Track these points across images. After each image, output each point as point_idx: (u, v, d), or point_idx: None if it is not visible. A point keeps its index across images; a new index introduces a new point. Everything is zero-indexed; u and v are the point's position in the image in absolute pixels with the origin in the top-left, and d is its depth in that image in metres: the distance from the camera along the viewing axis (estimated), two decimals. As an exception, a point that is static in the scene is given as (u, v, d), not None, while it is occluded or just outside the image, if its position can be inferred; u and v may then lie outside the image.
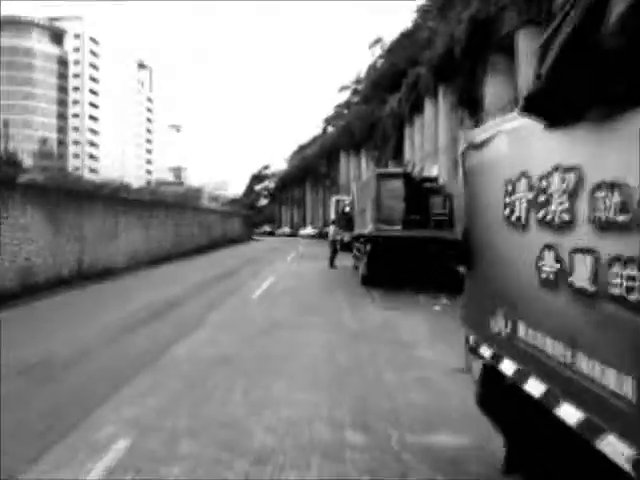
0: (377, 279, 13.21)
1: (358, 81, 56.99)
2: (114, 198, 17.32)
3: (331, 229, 19.93)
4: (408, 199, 14.58)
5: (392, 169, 15.12)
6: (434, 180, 15.81)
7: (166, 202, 22.78)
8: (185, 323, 8.79)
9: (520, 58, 16.45)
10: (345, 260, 20.36)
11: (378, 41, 49.12)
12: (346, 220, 20.70)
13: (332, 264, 19.28)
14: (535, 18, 15.25)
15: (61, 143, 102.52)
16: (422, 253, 12.62)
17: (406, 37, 40.43)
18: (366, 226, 13.67)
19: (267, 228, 73.27)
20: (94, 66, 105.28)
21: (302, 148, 73.88)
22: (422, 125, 29.24)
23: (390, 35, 46.34)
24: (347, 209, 20.64)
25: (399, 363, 6.45)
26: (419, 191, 15.25)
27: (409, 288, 12.60)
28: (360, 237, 15.51)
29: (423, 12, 33.50)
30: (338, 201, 24.88)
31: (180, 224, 24.85)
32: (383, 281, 13.35)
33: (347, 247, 21.87)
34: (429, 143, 27.11)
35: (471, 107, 21.67)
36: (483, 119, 19.93)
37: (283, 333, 8.08)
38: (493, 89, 19.12)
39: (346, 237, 21.01)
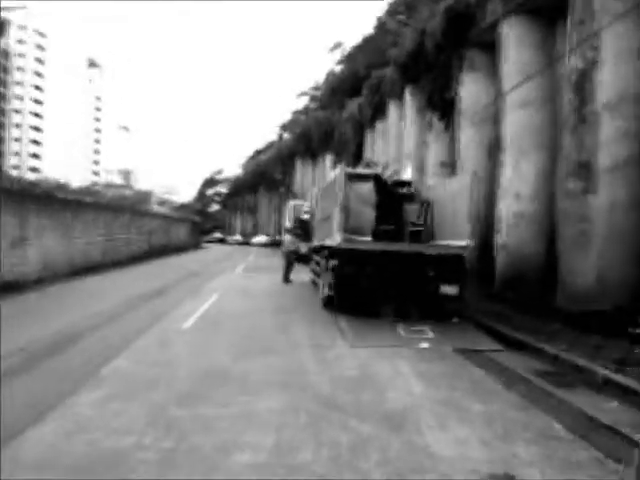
0: (344, 301, 10.55)
1: (316, 88, 54.85)
2: (23, 194, 13.90)
3: (286, 238, 17.15)
4: (380, 206, 12.08)
5: (362, 169, 12.36)
6: (408, 184, 13.37)
7: (95, 203, 19.31)
8: (67, 377, 5.79)
9: (504, 52, 14.31)
10: (301, 273, 17.62)
11: (338, 46, 47.15)
12: (304, 229, 17.99)
13: (287, 279, 16.51)
14: (525, 3, 13.14)
15: (0, 140, 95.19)
16: (399, 271, 10.06)
17: (367, 42, 38.64)
18: (331, 236, 11.01)
19: (218, 235, 69.49)
20: (40, 60, 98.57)
21: (257, 154, 70.85)
22: (385, 130, 27.05)
23: (351, 41, 44.32)
24: (305, 216, 17.94)
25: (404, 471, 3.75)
26: (392, 197, 12.80)
27: (382, 314, 9.98)
28: (322, 249, 12.83)
29: (390, 9, 31.39)
30: (295, 206, 22.16)
31: (114, 229, 21.44)
32: (351, 304, 10.70)
33: (303, 259, 19.17)
34: (393, 148, 24.87)
35: (442, 109, 19.49)
36: (457, 121, 17.81)
37: (215, 397, 5.24)
38: (470, 88, 16.95)
39: (303, 248, 18.30)
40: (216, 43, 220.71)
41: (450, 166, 18.62)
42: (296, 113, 59.93)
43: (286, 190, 51.69)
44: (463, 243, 9.91)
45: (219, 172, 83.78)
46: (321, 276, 12.28)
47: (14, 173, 74.19)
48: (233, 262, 26.38)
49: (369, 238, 11.31)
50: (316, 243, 14.40)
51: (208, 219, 76.37)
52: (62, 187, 41.30)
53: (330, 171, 13.91)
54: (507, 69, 14.19)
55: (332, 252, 10.59)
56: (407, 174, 13.64)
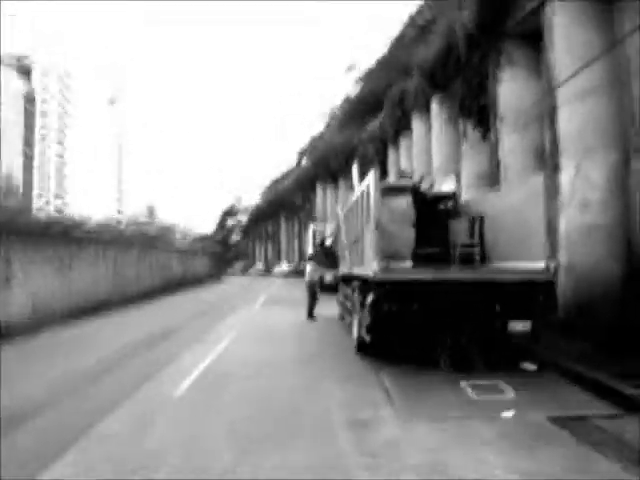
0: (384, 347, 8.20)
1: (333, 113, 53.33)
2: (7, 230, 12.03)
3: (308, 267, 14.88)
4: (419, 224, 9.80)
5: (397, 182, 10.07)
6: (451, 198, 11.09)
7: (98, 238, 17.44)
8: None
9: (553, 38, 12.07)
10: (327, 306, 15.27)
11: (352, 67, 45.64)
12: (327, 255, 15.78)
13: (311, 314, 14.16)
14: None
15: (26, 182, 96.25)
16: (456, 306, 7.67)
17: (385, 60, 36.92)
18: (362, 264, 8.73)
19: (238, 266, 67.65)
20: (62, 104, 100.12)
21: (276, 182, 69.29)
22: (410, 146, 24.90)
23: (368, 60, 42.69)
24: (328, 241, 15.74)
25: None
26: (433, 213, 10.53)
27: (435, 364, 7.56)
28: (351, 279, 10.53)
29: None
30: (316, 230, 19.98)
31: (122, 265, 19.52)
32: (392, 349, 8.34)
33: (330, 288, 16.89)
34: (420, 164, 22.61)
35: (477, 115, 17.25)
36: (496, 126, 15.53)
37: None
38: (510, 87, 14.69)
39: (328, 276, 16.03)
40: (231, 71, 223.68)
41: (490, 177, 16.27)
42: (314, 139, 58.39)
43: (307, 216, 49.74)
44: (540, 265, 7.50)
45: (238, 202, 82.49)
46: (353, 313, 9.93)
47: (40, 214, 74.26)
48: (252, 295, 24.17)
49: (409, 264, 9.02)
50: (344, 271, 12.11)
51: (230, 249, 74.79)
52: (80, 223, 39.98)
53: (356, 185, 11.59)
54: (558, 58, 11.90)
55: (367, 284, 8.27)
56: (449, 186, 11.33)
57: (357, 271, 9.31)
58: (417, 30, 25.93)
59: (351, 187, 33.67)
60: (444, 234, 10.19)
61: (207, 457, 4.41)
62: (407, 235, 9.43)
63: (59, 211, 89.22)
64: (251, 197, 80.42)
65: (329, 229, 17.00)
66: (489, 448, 4.61)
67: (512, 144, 14.50)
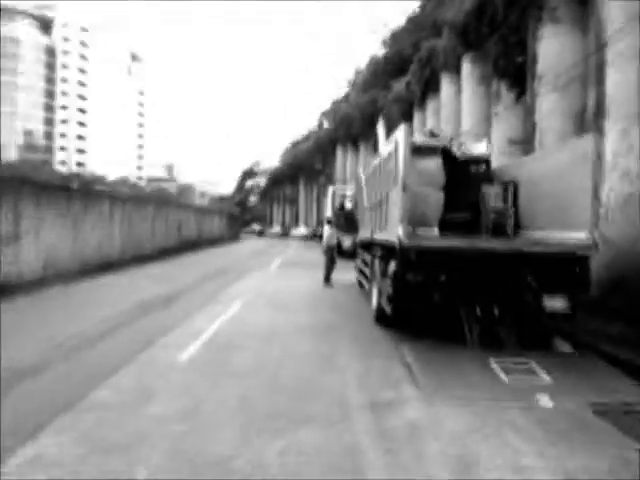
0: (407, 320, 7.64)
1: (358, 72, 51.47)
2: (17, 183, 11.58)
3: (326, 231, 14.27)
4: (449, 188, 9.07)
5: (426, 141, 9.22)
6: (484, 162, 10.28)
7: (111, 193, 17.02)
8: None
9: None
10: (345, 272, 14.74)
11: (382, 27, 43.74)
12: (347, 219, 15.14)
13: (328, 280, 13.64)
14: None
15: (48, 136, 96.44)
16: (486, 278, 7.02)
17: (412, 22, 35.10)
18: (386, 229, 8.09)
19: (256, 227, 67.27)
20: (83, 57, 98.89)
21: (296, 144, 68.03)
22: (438, 108, 23.76)
23: (395, 21, 40.80)
24: (348, 204, 15.05)
25: None
26: (464, 177, 9.76)
27: (461, 340, 6.97)
28: (372, 245, 9.92)
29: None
30: (336, 193, 19.23)
31: (136, 222, 19.14)
32: (414, 321, 7.78)
33: (347, 254, 16.30)
34: (448, 127, 21.52)
35: (513, 75, 16.12)
36: (534, 87, 14.45)
37: None
38: (551, 45, 13.53)
39: (346, 242, 15.42)
40: (256, 34, 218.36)
41: (523, 142, 15.30)
42: (336, 102, 56.68)
43: (326, 180, 48.84)
44: (581, 236, 6.78)
45: (257, 164, 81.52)
46: (372, 281, 9.34)
47: (62, 168, 74.39)
48: (268, 257, 23.75)
49: (436, 231, 8.37)
50: (364, 236, 11.49)
51: (247, 211, 74.44)
52: (98, 179, 39.65)
53: (382, 144, 10.77)
54: (611, 12, 10.79)
55: (390, 252, 7.65)
56: (481, 148, 10.49)
57: (379, 237, 8.67)
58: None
59: (373, 150, 32.69)
60: (475, 200, 9.43)
61: (207, 444, 3.94)
62: (435, 199, 8.72)
63: (81, 165, 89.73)
64: (271, 159, 79.49)
65: (349, 192, 16.27)
66: (522, 437, 4.07)
67: (550, 106, 13.50)
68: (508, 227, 8.80)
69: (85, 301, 10.46)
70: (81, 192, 15.00)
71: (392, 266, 7.23)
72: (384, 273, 7.81)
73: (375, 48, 42.83)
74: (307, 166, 57.51)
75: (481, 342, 6.75)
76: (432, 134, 10.18)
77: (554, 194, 7.67)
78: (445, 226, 8.57)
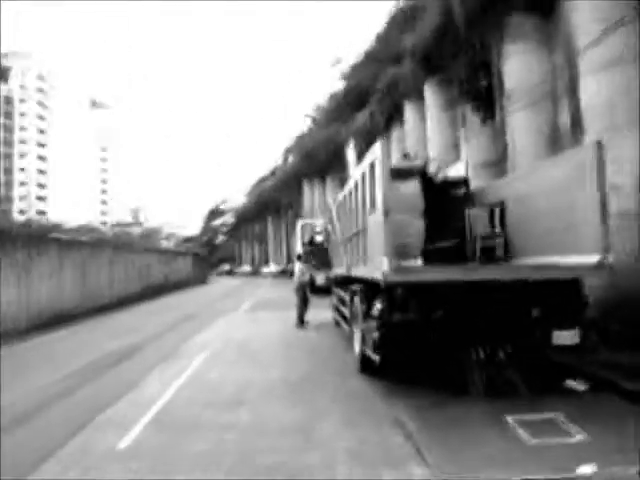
0: (398, 368, 6.51)
1: (319, 109, 51.51)
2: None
3: (297, 268, 13.12)
4: (429, 214, 8.12)
5: (402, 163, 8.26)
6: (463, 183, 9.42)
7: (61, 239, 15.53)
8: None
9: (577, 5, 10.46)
10: (319, 309, 13.52)
11: (338, 61, 43.90)
12: (319, 253, 14.03)
13: (302, 321, 12.41)
14: None
15: (7, 185, 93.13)
16: (486, 313, 5.98)
17: (370, 54, 35.27)
18: (365, 263, 7.00)
19: (225, 267, 65.46)
20: (42, 104, 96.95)
21: (262, 181, 67.18)
22: (402, 137, 23.27)
23: (353, 54, 40.89)
24: (319, 238, 14.00)
25: None
26: (444, 201, 8.84)
27: (464, 389, 5.84)
28: (350, 282, 8.80)
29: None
30: (305, 226, 18.20)
31: (92, 269, 17.58)
32: (406, 368, 6.64)
33: (322, 289, 15.14)
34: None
35: (478, 97, 15.64)
36: (502, 108, 13.95)
37: None
38: (519, 62, 13.06)
39: (319, 279, 14.29)
40: (218, 70, 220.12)
41: (494, 164, 14.69)
42: (300, 137, 56.48)
43: (294, 215, 47.97)
44: (590, 260, 5.83)
45: (224, 202, 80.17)
46: (352, 323, 8.17)
47: (21, 217, 71.29)
48: (238, 299, 22.30)
49: (419, 262, 7.34)
50: (339, 272, 10.37)
51: (215, 251, 72.62)
52: (55, 226, 37.60)
53: (352, 169, 9.76)
54: (581, 18, 10.31)
55: (372, 289, 6.55)
56: (460, 170, 9.68)
57: (358, 272, 7.57)
58: (407, 14, 24.31)
59: (340, 184, 32.06)
60: (458, 225, 8.51)
61: None
62: (416, 227, 7.73)
63: (42, 213, 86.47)
64: (237, 197, 78.21)
65: (319, 225, 15.29)
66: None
67: (521, 124, 12.93)
68: (498, 253, 7.87)
69: (24, 364, 8.92)
70: (25, 239, 13.49)
71: (377, 306, 6.11)
72: (367, 314, 6.68)
73: (335, 83, 42.70)
74: (274, 202, 56.66)
75: (488, 392, 5.64)
76: (405, 156, 9.31)
77: (551, 214, 6.77)
78: (428, 256, 7.56)
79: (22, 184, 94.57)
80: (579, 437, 4.45)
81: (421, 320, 5.86)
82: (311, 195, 45.15)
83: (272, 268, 51.44)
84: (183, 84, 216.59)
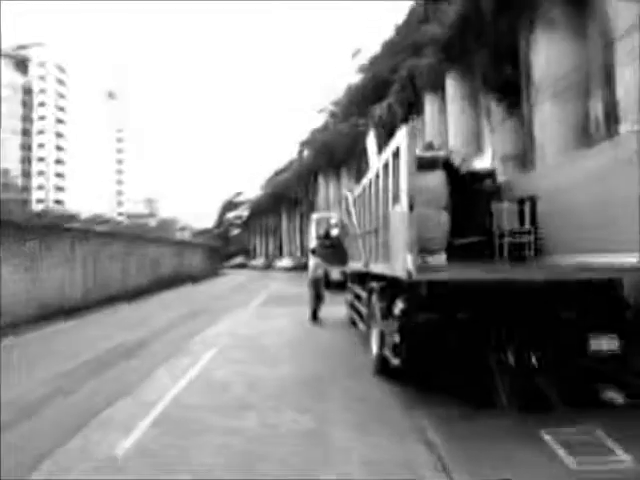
0: (419, 372, 6.03)
1: (336, 103, 50.82)
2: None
3: (311, 262, 12.67)
4: (454, 207, 7.58)
5: (427, 153, 7.68)
6: (490, 176, 8.86)
7: (73, 228, 15.29)
8: None
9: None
10: (334, 306, 13.07)
11: (357, 53, 43.16)
12: (333, 248, 13.57)
13: (315, 317, 11.98)
14: None
15: (26, 175, 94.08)
16: (515, 316, 5.47)
17: (389, 45, 34.52)
18: (387, 258, 6.49)
19: (239, 260, 65.30)
20: (61, 95, 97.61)
21: (277, 174, 66.75)
22: (421, 129, 22.61)
23: (373, 46, 40.07)
24: (334, 232, 13.51)
25: None
26: (470, 194, 8.29)
27: (491, 398, 5.34)
28: (367, 278, 8.32)
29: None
30: (320, 220, 17.70)
31: (104, 260, 17.34)
32: (429, 372, 6.14)
33: (338, 285, 14.69)
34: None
35: (503, 88, 14.98)
36: (528, 98, 13.30)
37: None
38: (548, 52, 12.41)
39: (334, 273, 13.83)
40: (235, 67, 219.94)
41: (518, 158, 14.08)
42: (315, 131, 55.84)
43: (309, 208, 47.52)
44: (631, 259, 5.28)
45: (238, 194, 79.81)
46: (370, 322, 7.69)
47: (39, 207, 71.86)
48: (249, 293, 21.94)
49: (443, 258, 6.81)
50: (356, 267, 9.89)
51: (229, 243, 72.47)
52: (71, 216, 37.62)
53: (373, 158, 9.20)
54: (617, 5, 9.66)
55: (393, 287, 6.06)
56: (485, 161, 9.12)
57: (377, 269, 7.08)
58: (428, 4, 23.57)
59: (356, 178, 31.51)
60: (484, 220, 7.97)
61: None
62: (440, 221, 7.20)
63: (59, 202, 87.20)
64: (252, 190, 77.86)
65: (334, 218, 14.80)
66: None
67: (550, 116, 12.30)
68: (529, 251, 7.33)
69: (26, 357, 8.61)
70: (38, 228, 13.24)
71: (398, 305, 5.62)
72: (386, 313, 6.19)
73: (353, 75, 42.03)
74: (289, 195, 56.25)
75: (518, 401, 5.13)
76: (430, 146, 8.77)
77: (587, 209, 6.21)
78: (452, 252, 7.04)
79: (40, 174, 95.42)
80: (619, 454, 3.95)
81: (446, 322, 5.37)
82: (326, 188, 44.64)
83: (285, 262, 51.10)
84: (200, 77, 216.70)
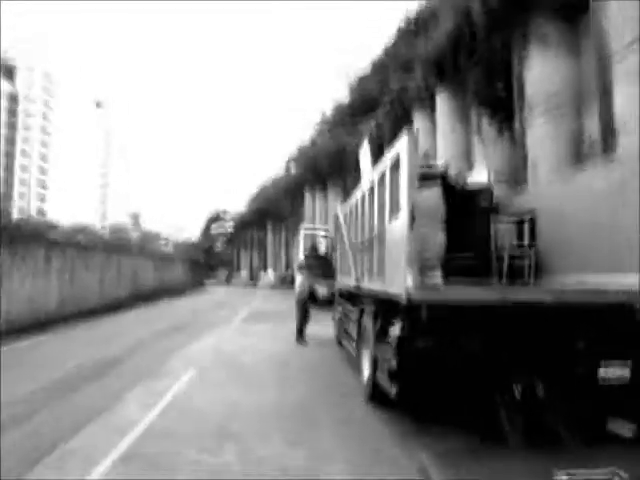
0: (417, 403, 5.51)
1: (323, 120, 50.72)
2: None
3: (298, 278, 12.12)
4: (451, 223, 7.13)
5: (427, 169, 7.20)
6: (486, 191, 8.47)
7: (45, 238, 14.57)
8: None
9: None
10: (320, 323, 12.52)
11: (345, 72, 43.15)
12: (321, 263, 13.06)
13: (301, 335, 11.40)
14: None
15: (8, 183, 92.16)
16: (522, 342, 5.01)
17: (377, 64, 34.56)
18: (383, 276, 6.01)
19: (222, 274, 64.33)
20: (47, 103, 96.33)
21: (262, 189, 66.24)
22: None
23: (360, 64, 40.09)
24: (322, 246, 13.02)
25: None
26: (467, 209, 7.88)
27: (494, 431, 4.84)
28: (358, 296, 7.81)
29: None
30: (307, 234, 17.16)
31: (80, 272, 16.58)
32: (424, 401, 5.62)
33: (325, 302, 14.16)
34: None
35: (495, 105, 14.78)
36: (521, 115, 13.09)
37: None
38: (541, 69, 12.25)
39: (321, 290, 13.30)
40: (221, 81, 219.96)
41: (509, 176, 13.79)
42: (302, 147, 55.60)
43: (294, 223, 47.06)
44: (630, 280, 4.91)
45: (224, 211, 79.17)
46: (361, 345, 7.16)
47: (19, 216, 70.18)
48: (233, 308, 21.25)
49: (439, 276, 6.35)
50: (345, 284, 9.38)
51: (213, 257, 71.51)
52: (50, 226, 36.45)
53: (366, 169, 8.72)
54: (615, 21, 9.48)
55: (388, 307, 5.57)
56: (482, 176, 8.75)
57: (371, 286, 6.58)
58: (418, 22, 23.53)
59: (343, 195, 31.18)
60: (481, 237, 7.54)
61: None
62: (436, 238, 6.75)
63: (41, 213, 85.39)
64: (237, 204, 77.24)
65: (322, 232, 14.33)
66: None
67: (543, 134, 12.11)
68: (529, 270, 6.91)
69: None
70: (7, 237, 12.51)
71: (395, 328, 5.13)
72: (381, 336, 5.69)
73: (340, 93, 41.95)
74: (275, 210, 55.72)
75: (526, 438, 4.65)
76: (427, 156, 8.37)
77: (592, 228, 5.84)
78: (447, 271, 6.58)
79: (23, 183, 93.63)
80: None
81: (448, 348, 4.89)
82: (312, 203, 44.26)
83: (270, 276, 50.40)
84: (186, 89, 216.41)
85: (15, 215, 74.49)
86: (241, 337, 12.24)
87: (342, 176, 34.29)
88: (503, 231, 7.39)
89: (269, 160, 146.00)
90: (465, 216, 7.72)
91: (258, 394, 6.62)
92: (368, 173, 8.31)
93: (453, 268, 6.85)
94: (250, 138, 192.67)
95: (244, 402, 6.23)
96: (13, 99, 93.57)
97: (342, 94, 42.47)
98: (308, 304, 11.69)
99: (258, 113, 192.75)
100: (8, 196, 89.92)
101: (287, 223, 51.62)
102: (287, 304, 17.56)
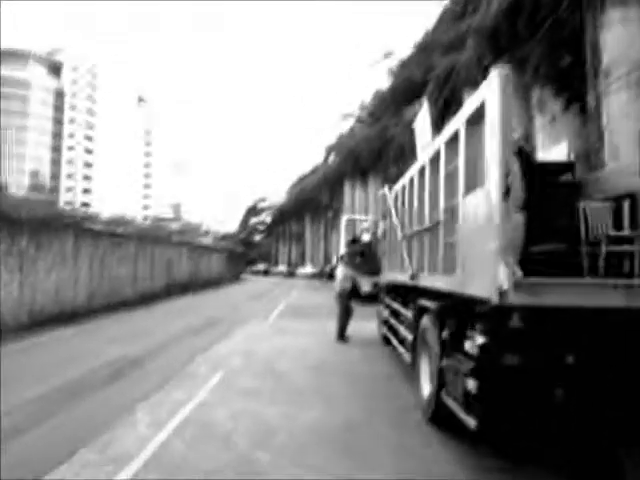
0: (498, 434, 4.23)
1: (363, 108, 49.14)
2: None
3: (339, 272, 10.89)
4: (530, 204, 5.76)
5: None
6: (569, 169, 7.01)
7: (75, 226, 13.87)
8: None
9: None
10: (363, 319, 11.27)
11: (389, 55, 41.41)
12: (366, 255, 11.79)
13: (342, 334, 10.21)
14: None
15: (55, 177, 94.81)
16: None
17: (420, 47, 32.76)
18: (453, 270, 4.70)
19: (261, 266, 63.81)
20: (91, 98, 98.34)
21: (302, 179, 65.28)
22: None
23: (402, 50, 38.28)
24: (366, 236, 11.76)
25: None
26: (549, 189, 6.46)
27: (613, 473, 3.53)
28: (414, 293, 6.52)
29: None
30: (351, 223, 15.93)
31: (112, 262, 15.94)
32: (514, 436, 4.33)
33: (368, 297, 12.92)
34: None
35: (560, 79, 13.11)
36: (594, 88, 11.41)
37: None
38: (619, 34, 10.55)
39: (365, 285, 12.06)
40: (262, 72, 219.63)
41: (580, 159, 12.12)
42: (342, 137, 54.15)
43: (334, 215, 45.86)
44: None
45: (262, 200, 78.56)
46: (420, 351, 5.87)
47: (67, 208, 71.72)
48: (269, 302, 20.28)
49: (518, 271, 4.99)
50: (396, 278, 8.09)
51: (252, 249, 71.18)
52: (93, 218, 36.51)
53: (427, 132, 7.30)
54: None
55: (463, 311, 4.29)
56: (561, 151, 7.30)
57: (434, 283, 5.28)
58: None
59: (383, 182, 29.76)
60: (567, 223, 6.11)
61: None
62: (513, 223, 5.40)
63: (86, 204, 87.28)
64: (277, 195, 76.50)
65: (368, 221, 13.08)
66: None
67: (621, 108, 10.41)
68: (636, 264, 5.47)
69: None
70: (33, 225, 11.84)
71: (475, 338, 3.84)
72: (450, 346, 4.41)
73: (381, 78, 40.32)
74: (313, 201, 54.69)
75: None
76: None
77: None
78: (527, 264, 5.22)
79: (69, 176, 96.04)
80: None
81: (548, 367, 3.59)
82: (352, 194, 42.98)
83: (308, 270, 49.47)
84: (226, 81, 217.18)
85: (62, 207, 76.39)
86: (276, 334, 11.13)
87: (383, 167, 32.90)
88: (596, 215, 5.95)
89: (309, 150, 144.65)
90: (545, 197, 6.33)
91: (291, 410, 5.46)
92: (427, 140, 6.98)
93: (534, 260, 5.51)
94: (291, 128, 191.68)
95: (274, 420, 5.08)
96: (59, 95, 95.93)
97: (384, 80, 40.92)
98: (350, 300, 10.47)
99: (300, 102, 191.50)
100: (56, 189, 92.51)
101: (326, 215, 50.51)
102: (324, 300, 16.43)
